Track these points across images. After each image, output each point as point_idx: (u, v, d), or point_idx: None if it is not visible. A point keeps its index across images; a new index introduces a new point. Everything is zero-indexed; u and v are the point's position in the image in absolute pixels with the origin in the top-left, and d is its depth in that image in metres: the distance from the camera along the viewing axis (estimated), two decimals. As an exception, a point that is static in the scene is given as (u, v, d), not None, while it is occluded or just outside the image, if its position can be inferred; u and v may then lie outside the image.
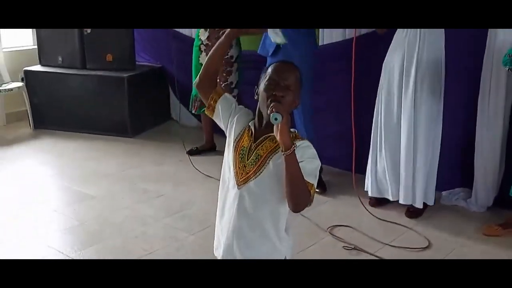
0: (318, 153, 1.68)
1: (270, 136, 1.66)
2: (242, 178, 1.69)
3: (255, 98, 1.72)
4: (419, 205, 3.22)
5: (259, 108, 1.70)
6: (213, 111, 1.79)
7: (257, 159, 1.68)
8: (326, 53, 3.72)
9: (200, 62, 4.01)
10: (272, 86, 1.64)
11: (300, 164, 1.58)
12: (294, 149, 1.55)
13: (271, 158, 1.66)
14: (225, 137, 1.81)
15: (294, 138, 1.65)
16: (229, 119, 1.78)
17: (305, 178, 1.58)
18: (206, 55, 3.91)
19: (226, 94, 1.82)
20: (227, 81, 4.03)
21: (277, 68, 1.69)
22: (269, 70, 1.70)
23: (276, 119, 1.53)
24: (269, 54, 3.48)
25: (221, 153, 3.44)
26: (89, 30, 4.69)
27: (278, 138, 1.56)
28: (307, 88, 3.37)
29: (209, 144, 4.38)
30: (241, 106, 1.82)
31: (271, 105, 1.58)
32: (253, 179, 1.68)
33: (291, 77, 1.67)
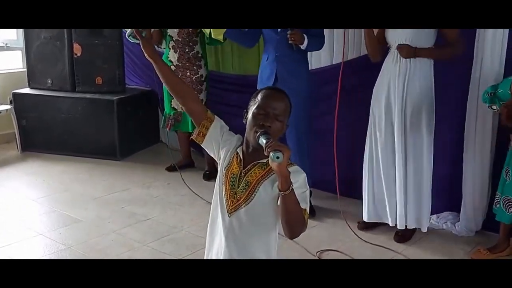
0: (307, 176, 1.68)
1: (258, 163, 1.66)
2: (233, 206, 1.68)
3: (244, 122, 1.70)
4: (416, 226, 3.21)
5: (246, 133, 1.68)
6: (203, 138, 1.74)
7: (247, 186, 1.66)
8: (315, 78, 3.74)
9: None
10: (261, 116, 1.62)
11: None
12: (293, 188, 1.53)
13: (261, 185, 1.65)
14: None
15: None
16: (219, 148, 1.75)
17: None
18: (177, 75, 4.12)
19: (216, 120, 1.75)
20: (198, 98, 4.14)
21: (267, 96, 1.66)
22: (259, 97, 1.67)
23: (277, 157, 1.46)
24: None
25: (201, 169, 3.27)
26: (79, 53, 4.70)
27: (278, 177, 1.52)
28: (305, 114, 3.41)
29: (187, 160, 4.41)
30: (230, 132, 1.78)
31: (270, 144, 1.50)
32: (244, 206, 1.66)
33: (281, 106, 1.64)
